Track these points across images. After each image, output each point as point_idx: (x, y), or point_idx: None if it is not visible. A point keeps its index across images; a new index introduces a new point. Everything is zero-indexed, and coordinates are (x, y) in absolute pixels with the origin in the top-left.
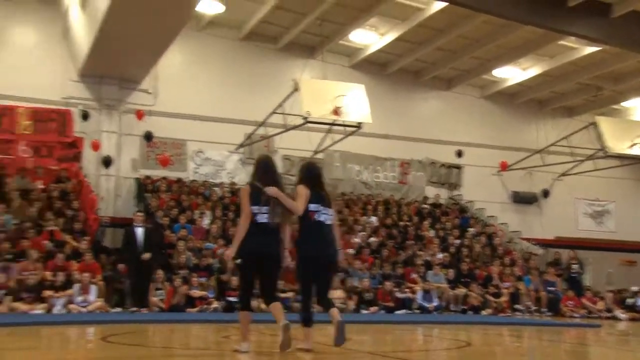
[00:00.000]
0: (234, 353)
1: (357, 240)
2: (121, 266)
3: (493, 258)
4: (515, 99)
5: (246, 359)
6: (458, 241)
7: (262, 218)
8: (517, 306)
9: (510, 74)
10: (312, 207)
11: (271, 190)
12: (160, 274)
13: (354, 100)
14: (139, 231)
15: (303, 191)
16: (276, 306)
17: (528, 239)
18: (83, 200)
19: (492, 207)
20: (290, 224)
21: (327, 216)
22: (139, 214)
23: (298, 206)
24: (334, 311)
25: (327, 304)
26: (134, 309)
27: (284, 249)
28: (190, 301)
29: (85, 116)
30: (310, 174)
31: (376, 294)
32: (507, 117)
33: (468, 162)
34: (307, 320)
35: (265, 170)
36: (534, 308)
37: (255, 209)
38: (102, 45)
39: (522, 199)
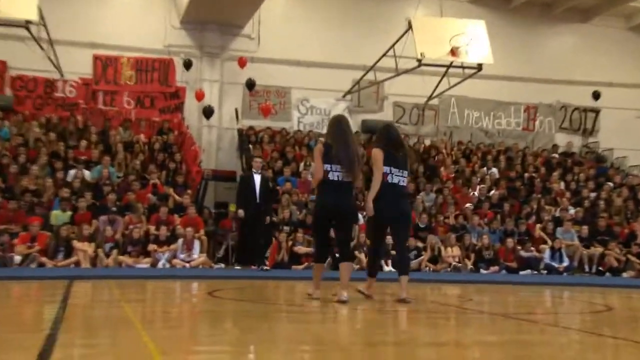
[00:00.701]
0: (338, 309)
1: (475, 193)
2: (240, 212)
3: (638, 213)
4: None
5: (347, 313)
6: (594, 194)
7: (334, 176)
8: None
9: None
10: (385, 169)
11: (368, 211)
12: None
13: (474, 39)
14: (257, 178)
15: (379, 155)
16: (345, 267)
17: None
18: (185, 153)
19: (637, 155)
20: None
21: (400, 177)
22: (257, 159)
23: (377, 179)
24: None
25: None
26: (239, 267)
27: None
28: (295, 258)
29: (187, 65)
30: (388, 136)
31: (497, 253)
32: None
33: (607, 104)
34: (372, 272)
35: (339, 131)
36: None
37: (328, 167)
38: None
39: None
